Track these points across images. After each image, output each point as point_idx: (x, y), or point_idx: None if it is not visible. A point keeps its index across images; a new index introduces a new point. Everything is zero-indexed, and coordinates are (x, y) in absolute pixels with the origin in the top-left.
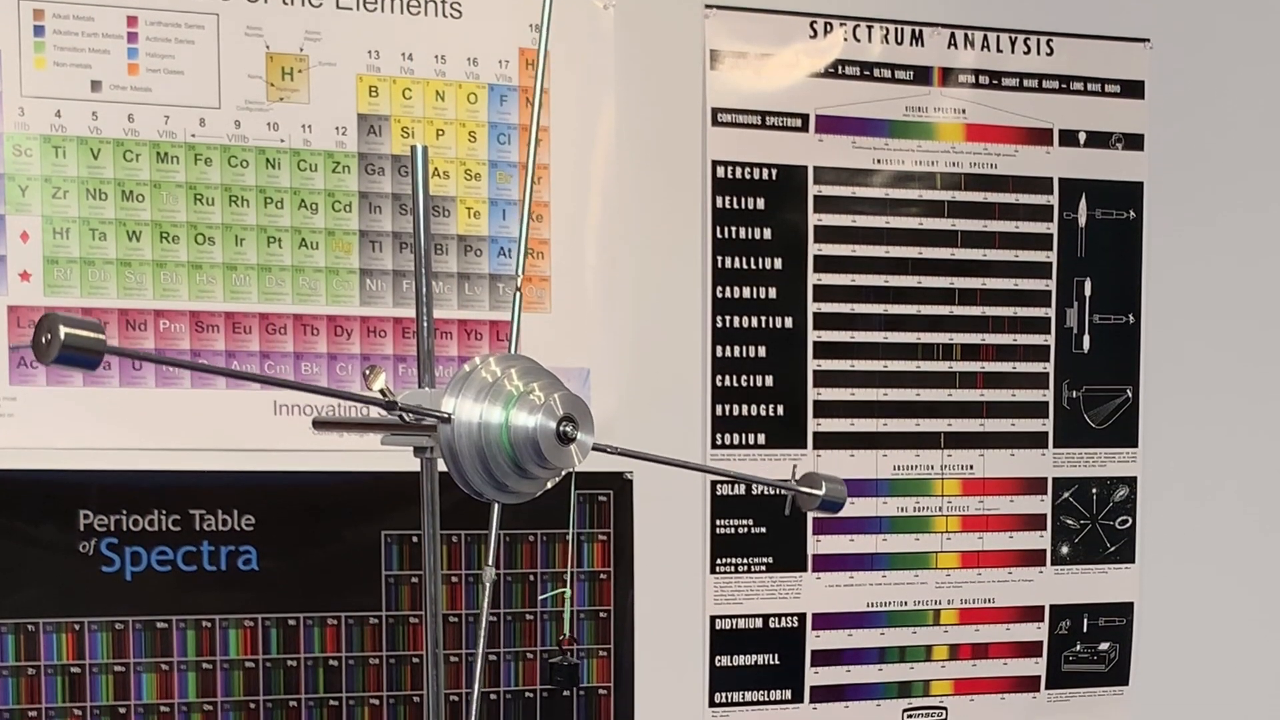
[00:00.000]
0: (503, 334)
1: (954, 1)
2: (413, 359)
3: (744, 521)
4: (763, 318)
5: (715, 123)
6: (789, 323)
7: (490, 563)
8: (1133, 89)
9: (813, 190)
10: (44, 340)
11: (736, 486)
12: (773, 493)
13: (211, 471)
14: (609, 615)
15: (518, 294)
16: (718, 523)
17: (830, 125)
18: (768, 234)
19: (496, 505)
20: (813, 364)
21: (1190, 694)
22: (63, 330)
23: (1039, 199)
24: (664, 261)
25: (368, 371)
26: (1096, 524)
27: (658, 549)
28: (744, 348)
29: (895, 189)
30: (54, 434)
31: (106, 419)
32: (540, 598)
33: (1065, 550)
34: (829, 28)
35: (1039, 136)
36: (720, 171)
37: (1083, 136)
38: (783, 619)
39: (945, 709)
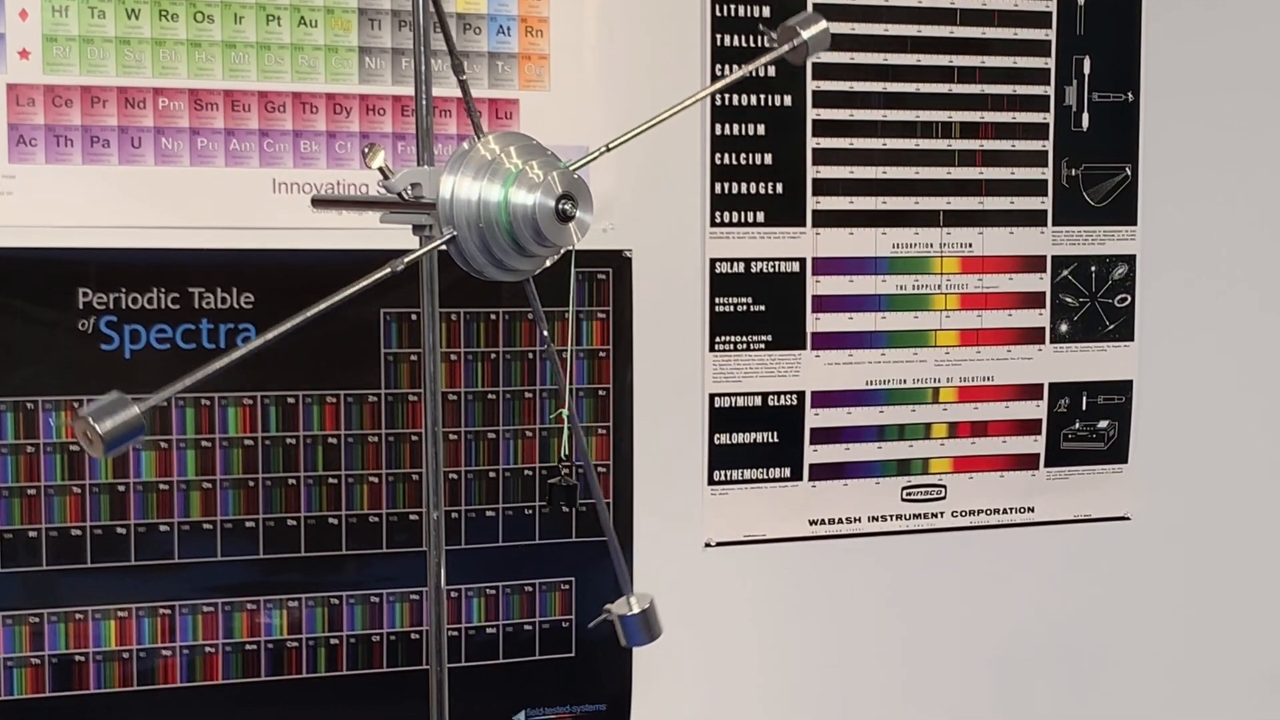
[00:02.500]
0: (501, 112)
1: None
2: (411, 137)
3: (743, 299)
4: (762, 95)
5: None
6: (788, 100)
7: (545, 332)
8: None
9: None
10: (87, 439)
11: (736, 265)
12: (774, 270)
13: (210, 250)
14: (608, 394)
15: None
16: (716, 301)
17: None
18: (766, 11)
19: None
20: (812, 142)
21: (1188, 471)
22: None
23: None
24: (663, 39)
25: (366, 149)
26: (1095, 302)
27: (657, 327)
28: (743, 125)
29: None
30: (53, 212)
31: (106, 197)
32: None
33: (1064, 328)
34: None
35: None
36: None
37: None
38: (782, 397)
39: (944, 487)
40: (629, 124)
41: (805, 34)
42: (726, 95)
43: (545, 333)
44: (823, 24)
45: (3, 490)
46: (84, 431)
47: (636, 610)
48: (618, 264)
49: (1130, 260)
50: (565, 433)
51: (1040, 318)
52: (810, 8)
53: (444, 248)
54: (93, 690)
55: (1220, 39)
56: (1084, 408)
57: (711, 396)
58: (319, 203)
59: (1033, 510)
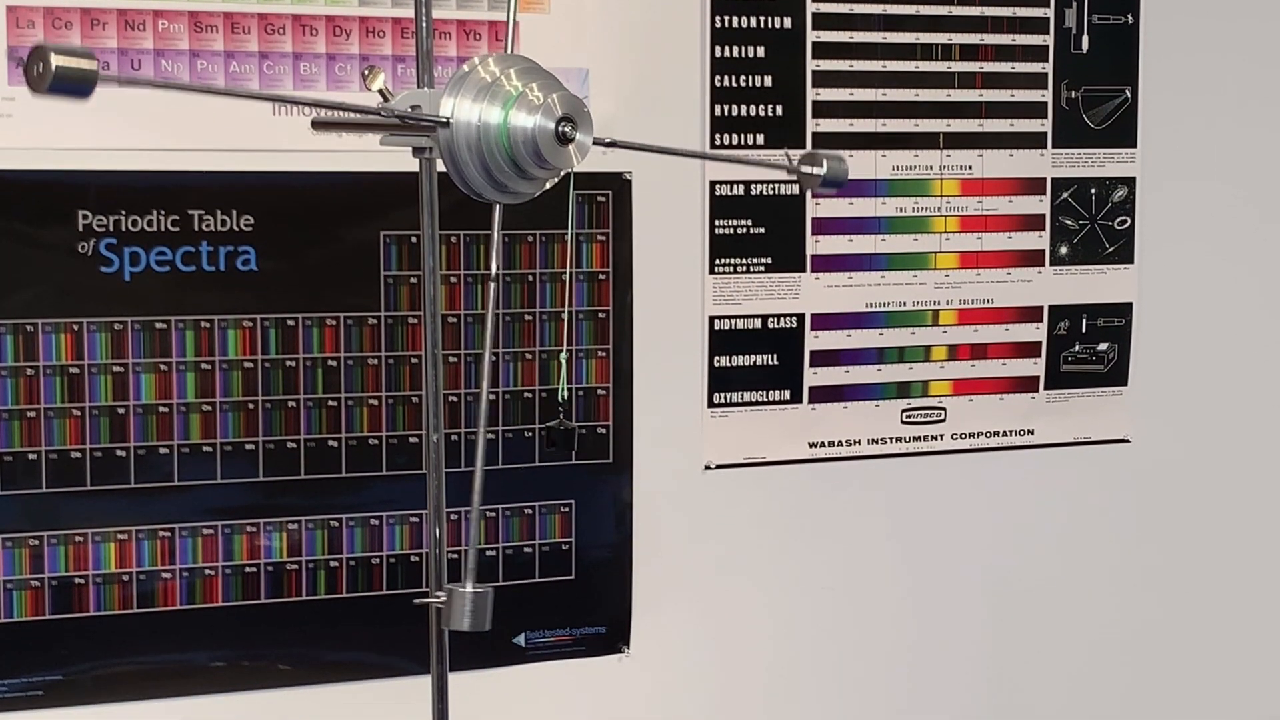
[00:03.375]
0: (501, 35)
1: None
2: (411, 60)
3: (743, 222)
4: (762, 18)
5: None
6: (788, 23)
7: (496, 265)
8: None
9: None
10: (36, 71)
11: (736, 187)
12: (773, 193)
13: (210, 172)
14: (607, 316)
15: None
16: (716, 223)
17: None
18: None
19: (498, 208)
20: (812, 64)
21: (1188, 393)
22: (54, 61)
23: None
24: None
25: (366, 72)
26: (1095, 224)
27: (656, 250)
28: (743, 48)
29: None
30: (53, 134)
31: (105, 119)
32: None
33: (1064, 250)
34: None
35: None
36: None
37: None
38: (781, 319)
39: (944, 409)
40: (629, 48)
41: (820, 170)
42: (726, 17)
43: (496, 266)
44: (842, 164)
45: (2, 413)
46: (38, 60)
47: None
48: (617, 186)
49: (1130, 183)
50: (563, 376)
51: (1040, 240)
52: None
53: (443, 169)
54: (92, 612)
55: None
56: (1084, 330)
57: (711, 319)
58: (319, 125)
59: (1032, 433)
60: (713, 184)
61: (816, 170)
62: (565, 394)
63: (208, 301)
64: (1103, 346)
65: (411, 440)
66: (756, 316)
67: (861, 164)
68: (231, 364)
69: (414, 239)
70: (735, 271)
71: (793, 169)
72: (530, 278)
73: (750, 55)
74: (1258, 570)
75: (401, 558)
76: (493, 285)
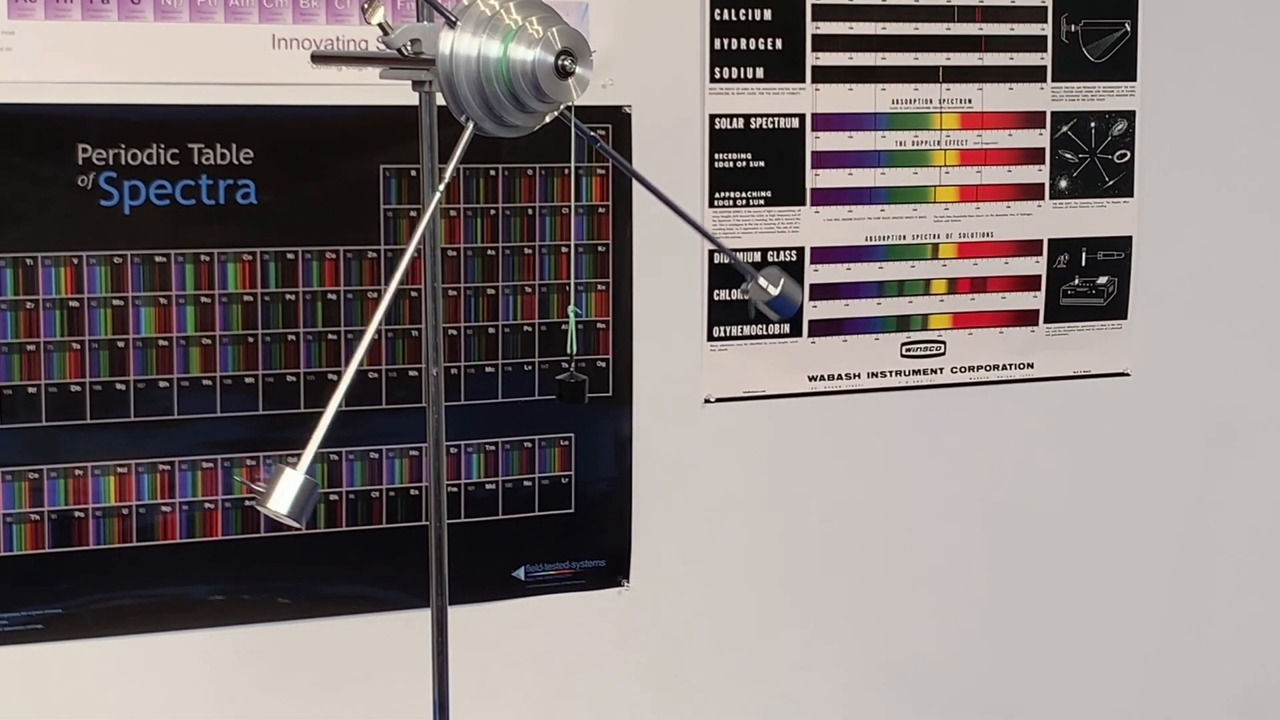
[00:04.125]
0: None
1: None
2: None
3: (743, 155)
4: None
5: None
6: None
7: (441, 188)
8: None
9: None
10: None
11: (736, 120)
12: (773, 127)
13: (210, 105)
14: (607, 250)
15: None
16: (716, 157)
17: None
18: None
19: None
20: None
21: (1188, 327)
22: None
23: None
24: None
25: (366, 5)
26: (1095, 158)
27: (656, 183)
28: None
29: None
30: (53, 68)
31: (105, 53)
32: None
33: (1064, 184)
34: None
35: None
36: None
37: None
38: (781, 253)
39: (944, 342)
40: None
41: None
42: None
43: (440, 186)
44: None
45: (2, 346)
46: None
47: (776, 292)
48: (617, 120)
49: (1130, 116)
50: (571, 331)
51: (1039, 174)
52: None
53: (443, 103)
54: (92, 546)
55: None
56: (1083, 264)
57: (711, 253)
58: (318, 59)
59: (1032, 366)
60: (712, 117)
61: (770, 288)
62: (574, 348)
63: (207, 235)
64: (1102, 280)
65: (411, 374)
66: (756, 250)
67: (861, 98)
68: (231, 297)
69: (413, 173)
70: (735, 205)
71: (749, 275)
72: (530, 211)
73: None
74: (1256, 502)
75: (401, 491)
76: (436, 194)
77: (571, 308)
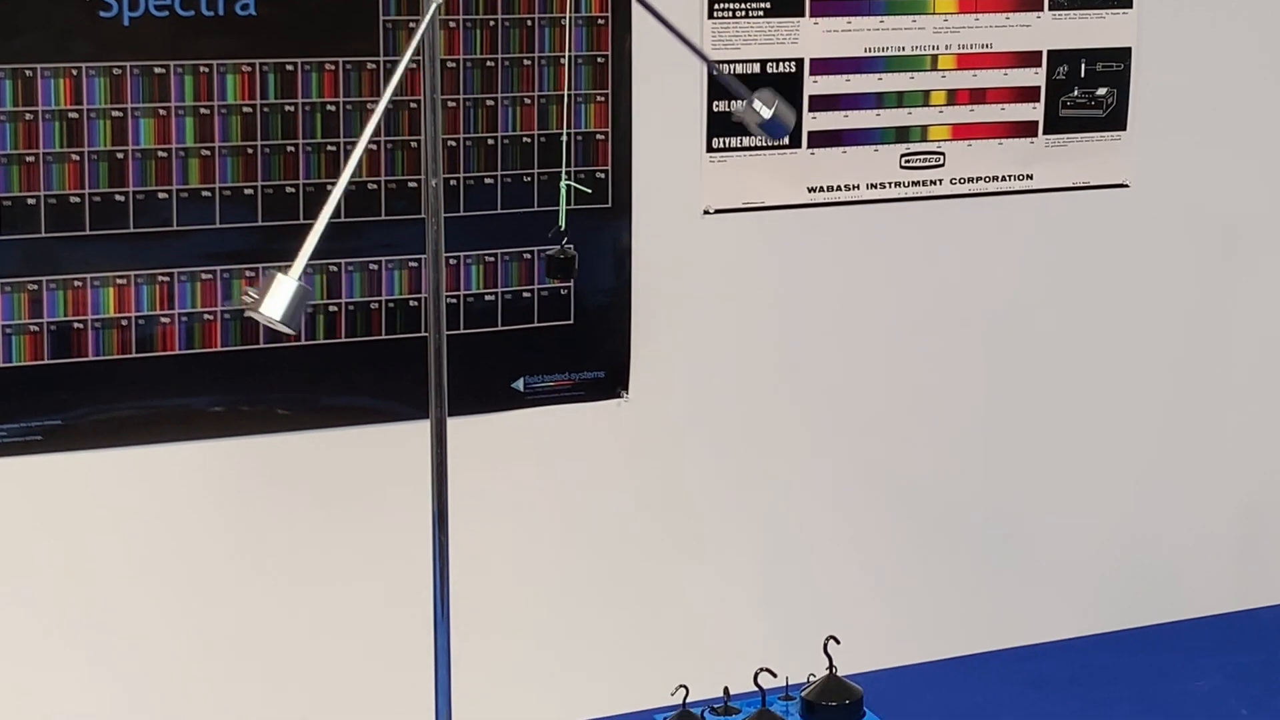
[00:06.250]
0: None
1: None
2: None
3: None
4: None
5: None
6: None
7: None
8: None
9: None
10: None
11: None
12: None
13: None
14: (606, 60)
15: None
16: None
17: None
18: None
19: None
20: None
21: (1187, 138)
22: None
23: None
24: None
25: None
26: None
27: None
28: None
29: None
30: None
31: None
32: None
33: None
34: None
35: None
36: None
37: None
38: (780, 64)
39: (943, 154)
40: None
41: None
42: None
43: None
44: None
45: (1, 158)
46: None
47: (768, 115)
48: None
49: None
50: (562, 203)
51: None
52: None
53: None
54: (91, 357)
55: None
56: (1083, 75)
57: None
58: None
59: (1031, 178)
60: None
61: (764, 111)
62: (565, 222)
63: (207, 46)
64: (1101, 91)
65: (410, 185)
66: (756, 61)
67: None
68: (230, 109)
69: None
70: (734, 16)
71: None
72: (529, 22)
73: None
74: (1254, 311)
75: (400, 302)
76: (435, 4)
77: (564, 181)
